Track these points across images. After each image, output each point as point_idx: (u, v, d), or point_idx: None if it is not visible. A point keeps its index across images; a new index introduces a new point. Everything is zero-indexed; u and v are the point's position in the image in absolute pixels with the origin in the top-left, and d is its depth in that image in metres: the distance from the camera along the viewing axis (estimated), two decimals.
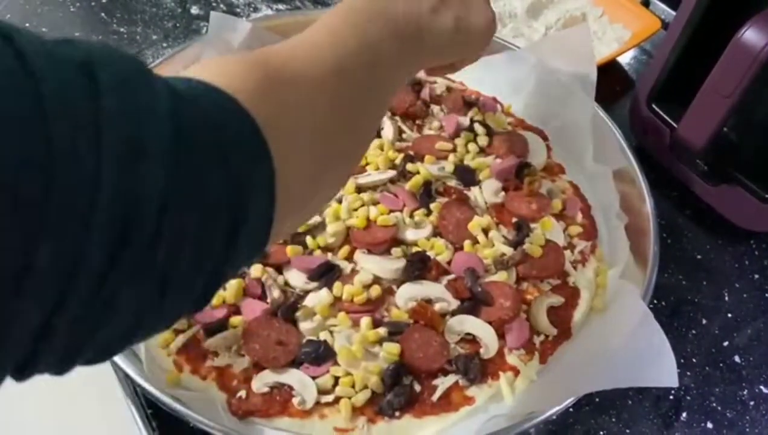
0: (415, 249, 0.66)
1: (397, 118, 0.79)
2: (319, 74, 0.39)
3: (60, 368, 0.27)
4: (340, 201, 0.68)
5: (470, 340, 0.61)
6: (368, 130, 0.46)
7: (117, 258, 0.25)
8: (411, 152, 0.74)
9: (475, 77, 0.85)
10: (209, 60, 0.37)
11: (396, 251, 0.65)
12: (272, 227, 0.33)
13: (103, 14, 0.95)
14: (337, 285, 0.62)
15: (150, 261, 0.26)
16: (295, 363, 0.57)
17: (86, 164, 0.23)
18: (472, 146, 0.76)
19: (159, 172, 0.26)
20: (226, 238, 0.30)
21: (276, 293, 0.61)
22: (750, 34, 0.61)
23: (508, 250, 0.67)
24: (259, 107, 0.32)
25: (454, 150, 0.76)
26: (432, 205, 0.69)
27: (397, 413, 0.56)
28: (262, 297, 0.61)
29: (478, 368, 0.58)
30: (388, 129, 0.76)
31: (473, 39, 0.57)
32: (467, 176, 0.73)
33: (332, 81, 0.39)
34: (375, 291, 0.62)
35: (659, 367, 0.52)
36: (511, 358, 0.60)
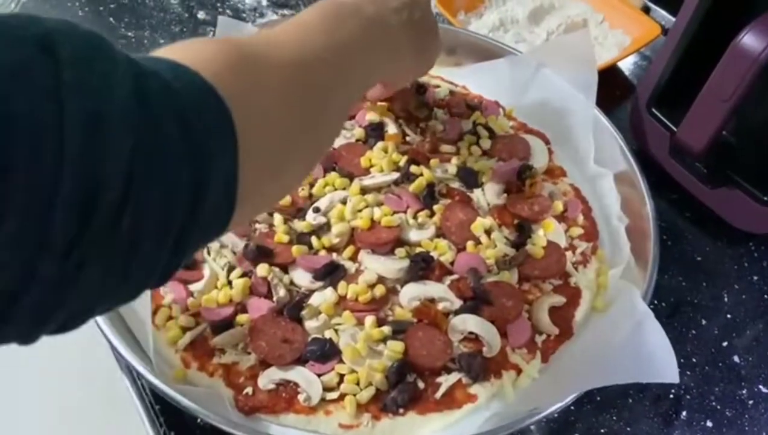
0: (418, 249, 0.67)
1: (401, 121, 0.80)
2: (287, 64, 0.40)
3: (27, 338, 0.27)
4: (344, 202, 0.69)
5: (473, 338, 0.62)
6: (330, 126, 0.48)
7: (82, 230, 0.25)
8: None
9: (478, 81, 0.87)
10: (179, 43, 0.37)
11: (400, 252, 0.66)
12: (234, 203, 0.33)
13: (111, 19, 0.96)
14: (342, 284, 0.63)
15: (115, 233, 0.26)
16: (301, 360, 0.58)
17: (50, 138, 0.23)
18: (474, 149, 0.77)
19: (123, 142, 0.26)
20: (188, 210, 0.30)
21: (282, 292, 0.62)
22: (748, 39, 0.62)
23: (511, 251, 0.68)
24: (224, 82, 0.33)
25: (457, 153, 0.77)
26: (435, 207, 0.70)
27: (401, 410, 0.56)
28: (269, 296, 0.62)
29: (480, 366, 0.59)
30: (392, 131, 0.77)
31: (427, 49, 0.64)
32: (470, 178, 0.74)
33: (298, 73, 0.41)
34: (379, 290, 0.63)
35: (660, 363, 0.53)
36: (514, 357, 0.61)
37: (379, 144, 0.75)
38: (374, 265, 0.64)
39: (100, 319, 0.55)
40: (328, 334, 0.60)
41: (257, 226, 0.67)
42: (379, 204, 0.69)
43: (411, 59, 0.63)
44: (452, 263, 0.66)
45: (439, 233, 0.69)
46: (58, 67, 0.25)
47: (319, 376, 0.57)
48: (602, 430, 0.61)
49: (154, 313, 0.60)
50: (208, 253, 0.65)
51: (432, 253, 0.66)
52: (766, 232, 0.76)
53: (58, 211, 0.24)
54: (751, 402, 0.64)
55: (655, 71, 0.77)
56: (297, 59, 0.41)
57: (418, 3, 0.62)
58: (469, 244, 0.68)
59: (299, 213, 0.68)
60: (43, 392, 0.53)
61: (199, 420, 0.53)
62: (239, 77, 0.35)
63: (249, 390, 0.56)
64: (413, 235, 0.68)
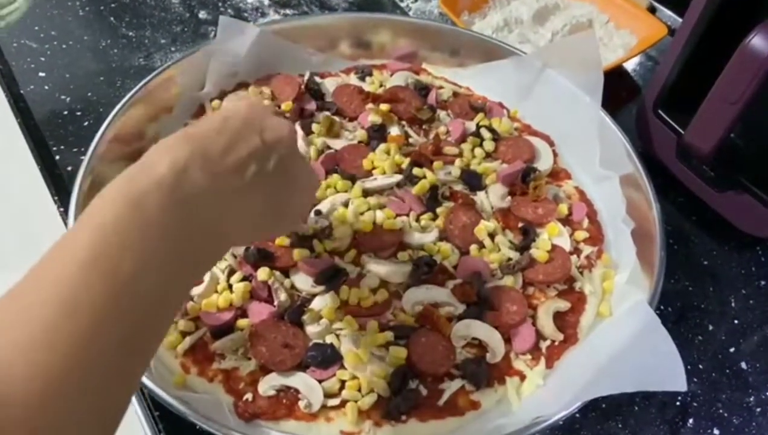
0: (421, 253, 0.66)
1: (404, 122, 0.79)
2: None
3: None
4: (346, 205, 0.68)
5: (476, 344, 0.61)
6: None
7: None
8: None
9: (482, 82, 0.86)
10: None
11: (402, 255, 0.65)
12: None
13: (112, 18, 0.96)
14: (343, 289, 0.62)
15: None
16: (302, 366, 0.58)
17: None
18: (478, 151, 0.76)
19: None
20: None
21: (283, 296, 0.61)
22: (757, 41, 0.61)
23: (515, 255, 0.67)
24: None
25: (460, 155, 0.76)
26: (438, 210, 0.69)
27: (403, 417, 0.56)
28: (269, 300, 0.61)
29: (484, 373, 0.58)
30: (394, 133, 0.77)
31: (293, 202, 0.49)
32: (473, 181, 0.73)
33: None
34: (381, 295, 0.62)
35: (667, 371, 0.52)
36: (518, 363, 0.60)
37: (382, 146, 0.75)
38: (376, 269, 0.64)
39: None
40: (330, 339, 0.59)
41: None
42: (382, 207, 0.69)
43: (272, 219, 0.48)
44: (455, 267, 0.66)
45: (443, 236, 0.68)
46: None
47: (320, 382, 0.57)
48: None
49: None
50: None
51: (435, 257, 0.65)
52: None
53: None
54: (758, 410, 0.63)
55: (661, 73, 0.76)
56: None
57: (275, 146, 0.46)
58: (473, 247, 0.67)
59: None
60: None
61: (198, 426, 0.52)
62: None
63: (249, 396, 0.56)
64: (416, 239, 0.67)
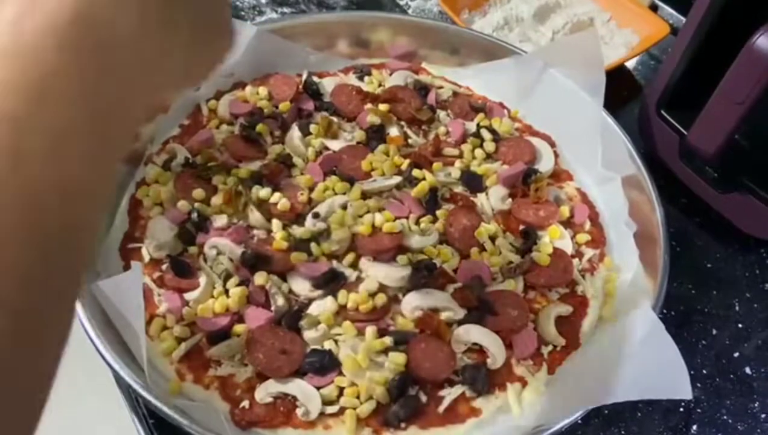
0: (421, 256, 0.65)
1: (403, 123, 0.78)
2: None
3: None
4: (345, 207, 0.67)
5: (477, 350, 0.60)
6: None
7: None
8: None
9: (482, 82, 0.85)
10: None
11: (402, 259, 0.64)
12: None
13: None
14: (342, 293, 0.61)
15: None
16: (299, 373, 0.57)
17: None
18: (478, 152, 0.75)
19: None
20: None
21: (280, 301, 0.60)
22: (763, 41, 0.60)
23: (516, 258, 0.66)
24: None
25: (460, 156, 0.75)
26: (438, 212, 0.68)
27: (402, 425, 0.55)
28: (266, 305, 0.60)
29: (485, 379, 0.57)
30: (393, 133, 0.75)
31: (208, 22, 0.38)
32: (474, 183, 0.72)
33: None
34: (380, 299, 0.61)
35: (672, 379, 0.51)
36: (519, 369, 0.59)
37: (381, 147, 0.73)
38: (375, 273, 0.63)
39: (92, 332, 0.53)
40: (328, 345, 0.58)
41: (255, 232, 0.65)
42: (381, 209, 0.67)
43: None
44: (456, 271, 0.65)
45: (443, 239, 0.67)
46: None
47: (318, 389, 0.56)
48: None
49: (148, 323, 0.58)
50: (205, 261, 0.63)
51: (435, 261, 0.64)
52: None
53: None
54: (763, 416, 0.62)
55: (664, 72, 0.75)
56: None
57: None
58: (473, 250, 0.66)
59: (298, 218, 0.67)
60: None
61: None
62: None
63: (246, 403, 0.55)
64: (416, 242, 0.66)
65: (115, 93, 0.30)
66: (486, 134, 0.77)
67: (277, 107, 0.76)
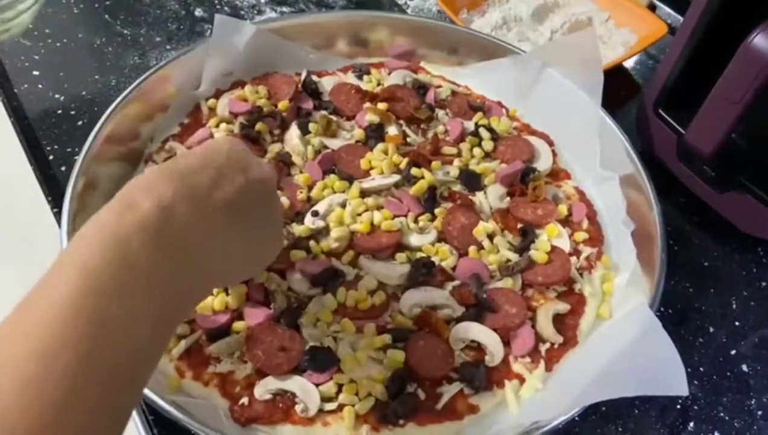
0: (419, 254, 0.65)
1: (402, 122, 0.78)
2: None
3: None
4: (344, 205, 0.67)
5: (475, 347, 0.60)
6: None
7: None
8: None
9: (481, 81, 0.85)
10: None
11: (400, 257, 0.64)
12: None
13: (106, 16, 0.94)
14: (341, 291, 0.61)
15: None
16: (299, 370, 0.57)
17: None
18: (477, 151, 0.75)
19: None
20: None
21: (279, 299, 0.60)
22: (760, 40, 0.60)
23: (514, 257, 0.66)
24: None
25: (458, 155, 0.75)
26: (437, 211, 0.69)
27: (401, 421, 0.55)
28: (266, 302, 0.61)
29: (483, 376, 0.57)
30: (392, 132, 0.76)
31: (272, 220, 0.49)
32: (472, 181, 0.72)
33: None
34: (379, 297, 0.61)
35: (668, 375, 0.52)
36: (517, 366, 0.60)
37: (380, 145, 0.74)
38: (374, 271, 0.63)
39: None
40: (327, 342, 0.58)
41: None
42: (380, 207, 0.68)
43: (251, 259, 0.50)
44: (454, 269, 0.65)
45: (441, 238, 0.67)
46: None
47: (317, 385, 0.56)
48: None
49: None
50: None
51: (433, 259, 0.65)
52: None
53: None
54: (760, 413, 0.62)
55: (662, 72, 0.75)
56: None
57: (259, 186, 0.46)
58: (472, 249, 0.66)
59: (297, 216, 0.67)
60: None
61: (193, 431, 0.51)
62: None
63: (245, 400, 0.55)
64: (414, 240, 0.66)
65: (185, 281, 0.39)
66: (484, 133, 0.77)
67: (276, 106, 0.76)
